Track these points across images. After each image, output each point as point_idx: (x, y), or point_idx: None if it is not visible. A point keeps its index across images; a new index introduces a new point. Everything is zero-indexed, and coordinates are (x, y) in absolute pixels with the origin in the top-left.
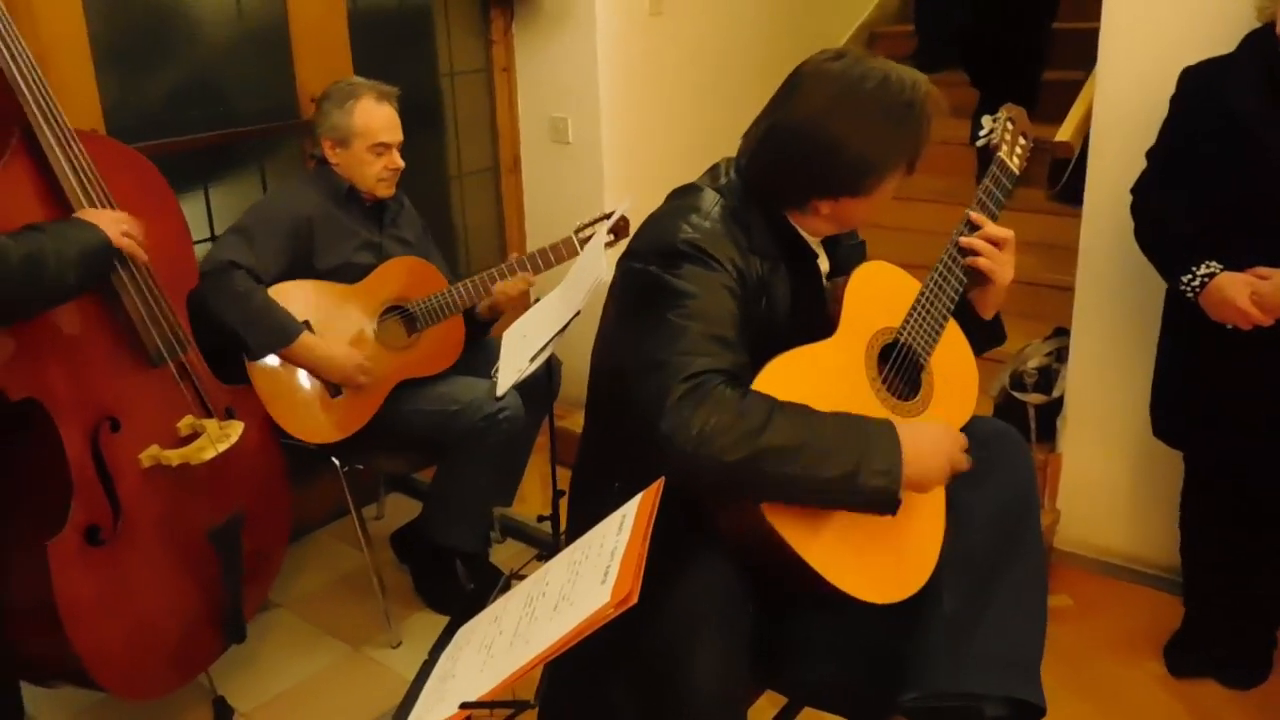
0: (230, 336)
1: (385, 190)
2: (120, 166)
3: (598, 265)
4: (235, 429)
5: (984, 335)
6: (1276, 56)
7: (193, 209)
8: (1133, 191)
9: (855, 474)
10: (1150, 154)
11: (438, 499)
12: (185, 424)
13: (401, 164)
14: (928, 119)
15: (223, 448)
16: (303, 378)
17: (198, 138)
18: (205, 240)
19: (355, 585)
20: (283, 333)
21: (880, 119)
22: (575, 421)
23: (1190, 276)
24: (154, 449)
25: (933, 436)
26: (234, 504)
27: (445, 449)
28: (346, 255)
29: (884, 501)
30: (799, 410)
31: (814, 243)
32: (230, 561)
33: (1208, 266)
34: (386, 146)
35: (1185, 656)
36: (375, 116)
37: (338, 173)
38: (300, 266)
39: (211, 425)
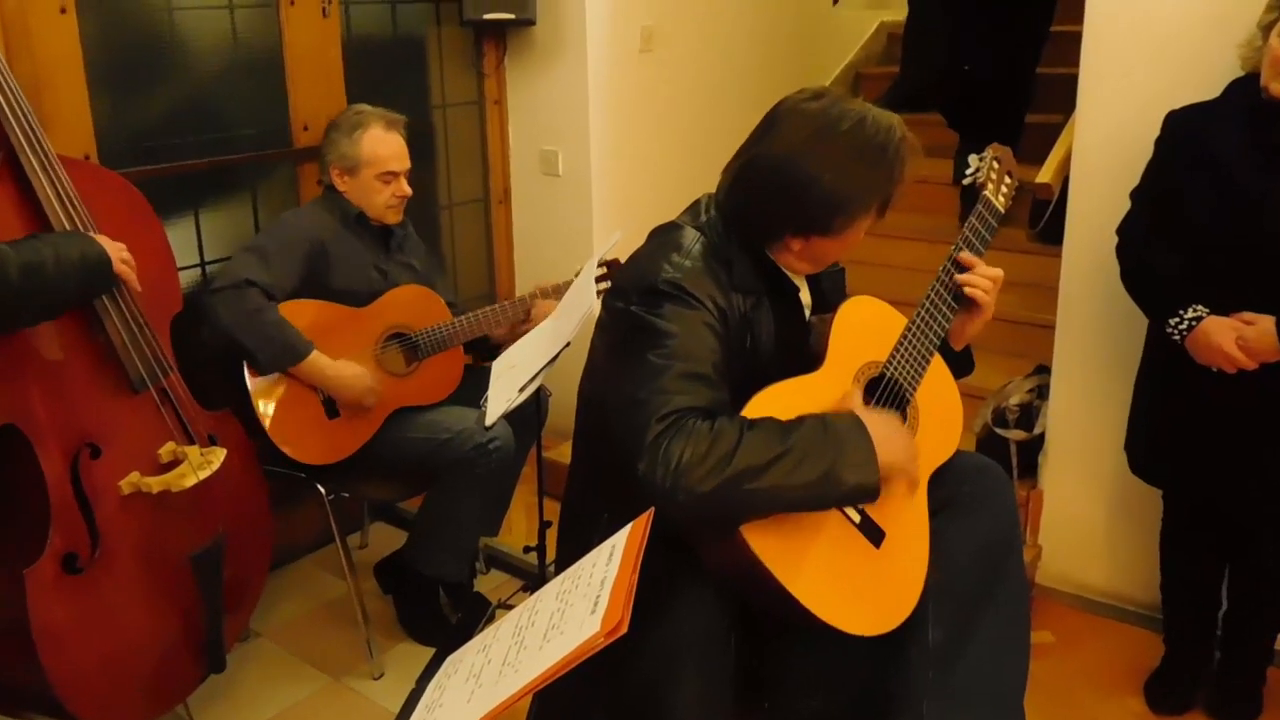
0: (240, 352)
1: (394, 217)
2: (104, 192)
3: (588, 297)
4: (217, 456)
5: (954, 365)
6: (1260, 104)
7: (183, 234)
8: (1118, 233)
9: (833, 472)
10: (1134, 194)
11: (424, 528)
12: (166, 450)
13: (409, 191)
14: (901, 162)
15: (204, 475)
16: (301, 396)
17: (190, 164)
18: (194, 266)
19: (337, 615)
20: (294, 350)
21: (854, 160)
22: (563, 452)
23: (1178, 320)
24: (134, 476)
25: (893, 424)
26: (215, 531)
27: (433, 477)
28: (356, 279)
29: (865, 494)
30: (768, 424)
31: (795, 277)
32: (210, 590)
33: (1194, 310)
34: (394, 175)
35: (1165, 694)
36: (383, 145)
37: (348, 198)
38: (312, 288)
39: (193, 452)
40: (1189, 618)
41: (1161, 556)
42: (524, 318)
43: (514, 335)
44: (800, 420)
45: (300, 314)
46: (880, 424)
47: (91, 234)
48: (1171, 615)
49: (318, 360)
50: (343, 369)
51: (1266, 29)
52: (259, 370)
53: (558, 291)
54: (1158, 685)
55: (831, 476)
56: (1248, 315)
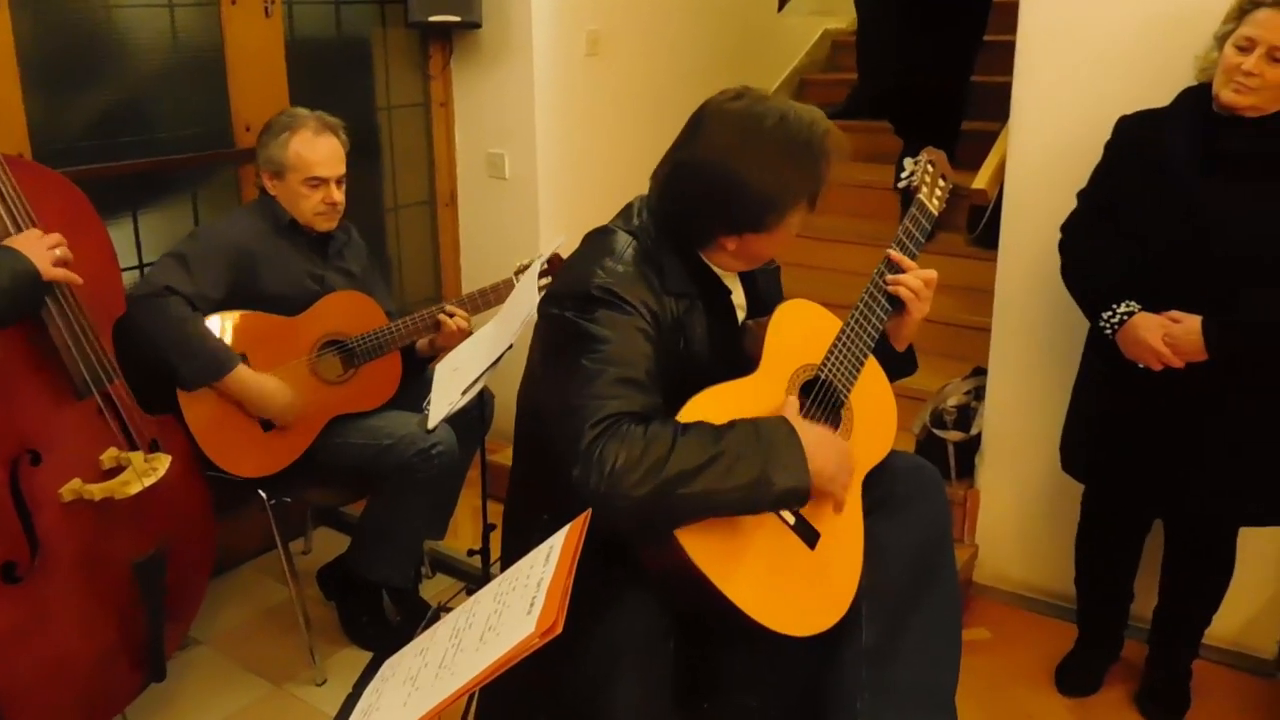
0: (162, 365)
1: (324, 224)
2: (46, 192)
3: (530, 300)
4: (161, 462)
5: (897, 365)
6: (1211, 112)
7: (121, 236)
8: (1062, 229)
9: (764, 477)
10: (1081, 195)
11: (368, 533)
12: (109, 457)
13: (340, 199)
14: (826, 156)
15: (149, 482)
16: (234, 409)
17: (128, 164)
18: (133, 268)
19: (280, 621)
20: (218, 364)
21: (780, 156)
22: (507, 455)
23: (1110, 314)
24: (76, 483)
25: (821, 431)
26: (157, 538)
27: (376, 483)
28: (289, 286)
29: (797, 498)
30: (701, 428)
31: (728, 278)
32: (153, 598)
33: (1127, 305)
34: (322, 181)
35: (1075, 677)
36: (310, 149)
37: (279, 203)
38: (241, 297)
39: (137, 458)
40: (1103, 607)
41: (1077, 550)
42: (435, 328)
43: (434, 347)
44: (732, 424)
45: (230, 325)
46: (813, 431)
47: (23, 233)
48: (1086, 604)
49: (241, 373)
50: (264, 384)
51: (1222, 39)
52: (181, 385)
53: (472, 302)
54: (1069, 669)
55: (763, 480)
56: (1176, 314)
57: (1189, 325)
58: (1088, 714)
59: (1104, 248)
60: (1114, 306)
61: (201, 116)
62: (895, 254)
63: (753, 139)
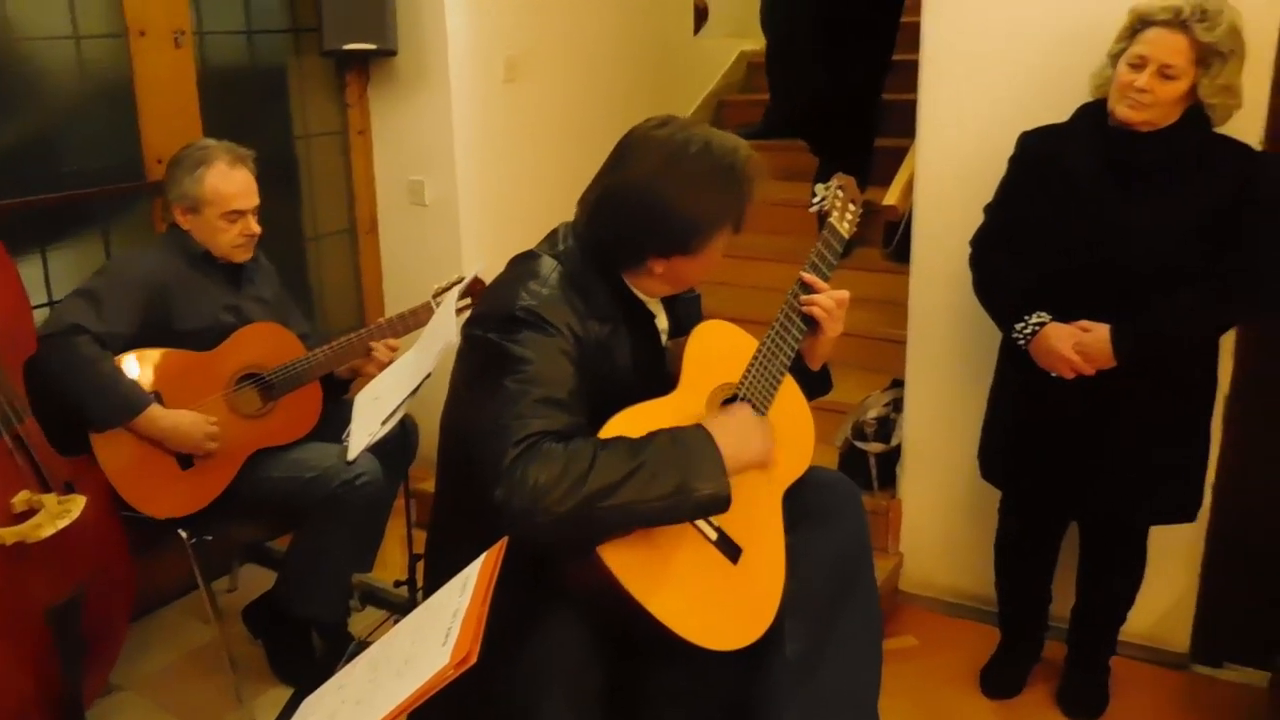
0: (72, 406)
1: (242, 255)
2: None
3: (448, 327)
4: (76, 504)
5: (813, 384)
6: (1108, 127)
7: (31, 273)
8: (971, 244)
9: (684, 486)
10: (988, 208)
11: (294, 568)
12: (20, 500)
13: (258, 229)
14: (749, 181)
15: (62, 524)
16: (149, 450)
17: (35, 199)
18: (43, 306)
19: (205, 663)
20: (129, 405)
21: (705, 181)
22: (433, 483)
23: (1023, 325)
24: None
25: (739, 421)
26: (73, 582)
27: (301, 516)
28: (205, 319)
29: (718, 505)
30: (620, 443)
31: (652, 303)
32: (68, 644)
33: (1038, 316)
34: (240, 213)
35: (999, 680)
36: (227, 182)
37: (192, 236)
38: (155, 333)
39: (50, 501)
40: (1023, 611)
41: (996, 556)
42: (365, 354)
43: (354, 373)
44: (651, 436)
45: (143, 363)
46: (730, 427)
47: None
48: (1006, 609)
49: (153, 413)
50: (179, 419)
51: (1115, 57)
52: (92, 426)
53: (391, 327)
54: (992, 673)
55: (684, 488)
56: (1086, 323)
57: (1098, 334)
58: (1012, 715)
59: (1012, 261)
60: (1025, 318)
61: (112, 149)
62: (808, 276)
63: (678, 165)
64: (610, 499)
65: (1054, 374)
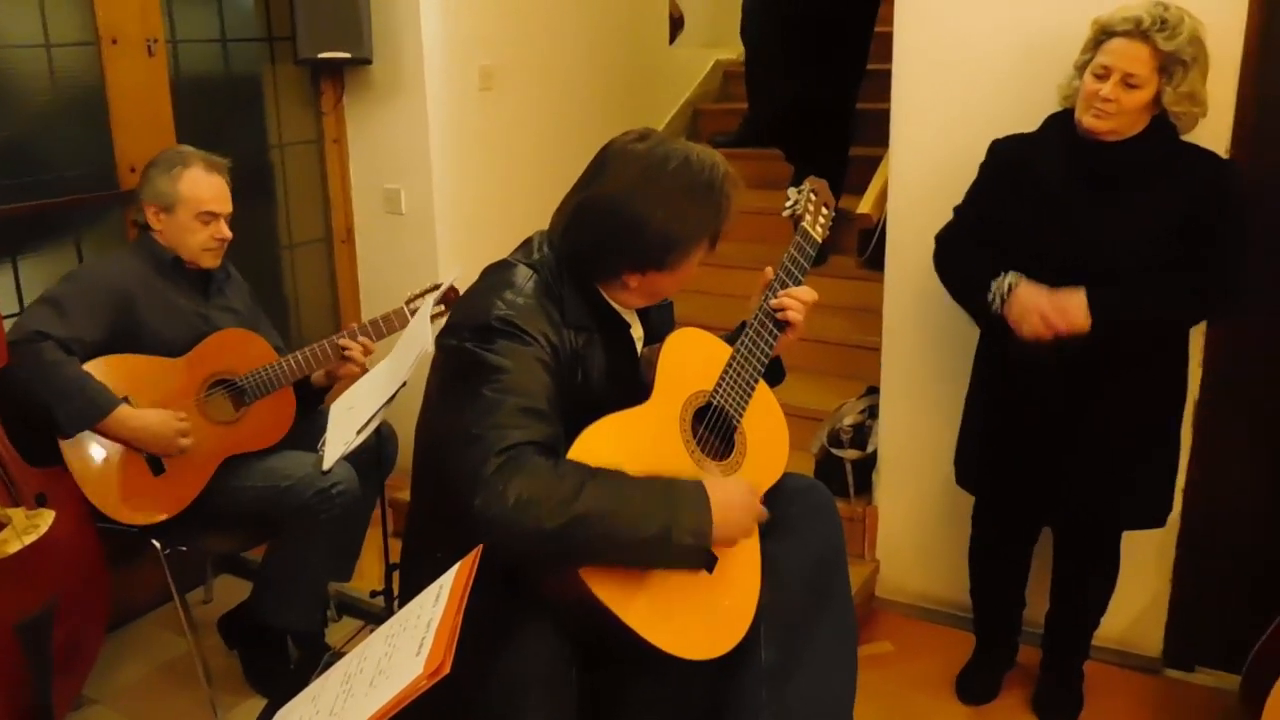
0: (39, 412)
1: (210, 261)
2: None
3: (423, 336)
4: (45, 519)
5: (768, 374)
6: (1076, 136)
7: (1, 282)
8: (936, 239)
9: (666, 534)
10: (958, 209)
11: (270, 578)
12: None
13: (229, 235)
14: (727, 196)
15: (30, 539)
16: (121, 456)
17: (6, 208)
18: (14, 315)
19: (179, 675)
20: (96, 406)
21: (682, 197)
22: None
23: (997, 284)
24: None
25: (738, 491)
26: (44, 596)
27: (276, 526)
28: (173, 327)
29: (695, 558)
30: (611, 476)
31: (626, 312)
32: (38, 659)
33: (1007, 275)
34: (214, 215)
35: (974, 686)
36: (203, 185)
37: (161, 242)
38: (123, 340)
39: (18, 515)
40: (997, 617)
41: (970, 562)
42: (338, 358)
43: (331, 379)
44: (648, 479)
45: (111, 368)
46: (724, 495)
47: None
48: (981, 615)
49: (121, 413)
50: (148, 418)
51: (1081, 68)
52: (60, 432)
53: (375, 328)
54: (968, 678)
55: (664, 538)
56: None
57: (1076, 294)
58: (986, 717)
59: (978, 246)
60: (993, 282)
61: (84, 158)
62: (778, 280)
63: (656, 180)
64: (591, 530)
65: (1030, 340)
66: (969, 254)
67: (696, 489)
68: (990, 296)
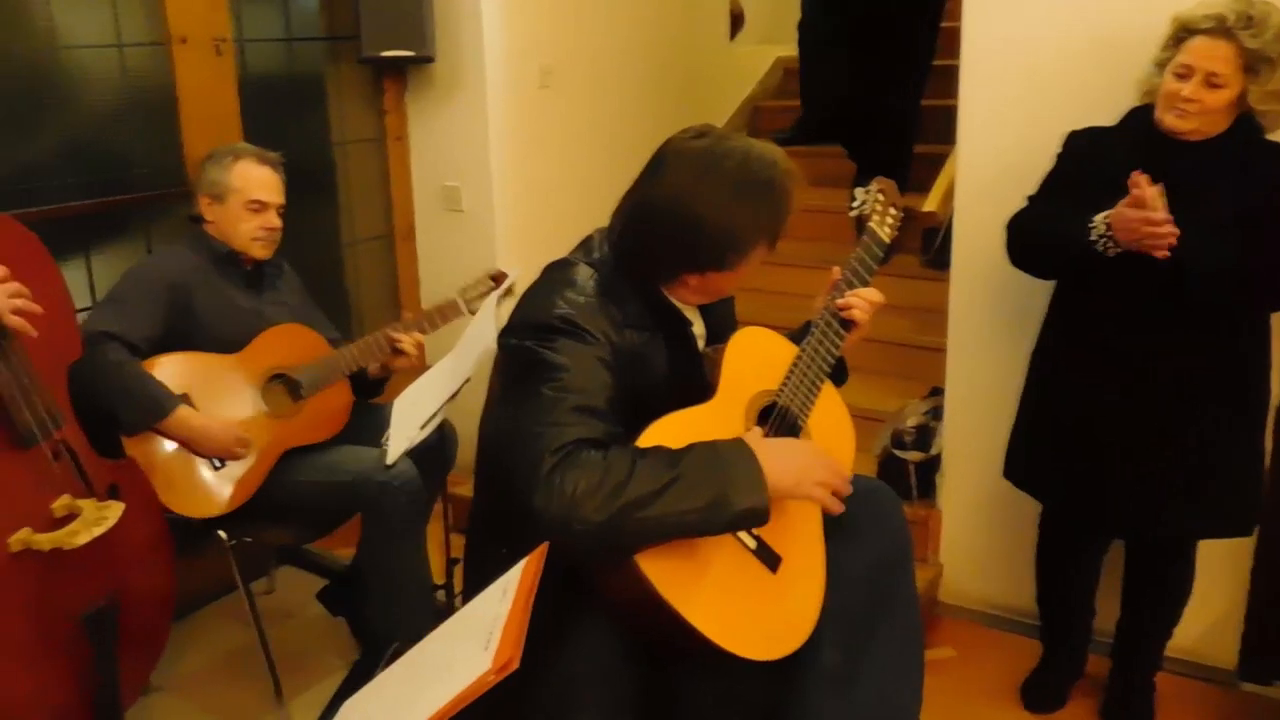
0: (104, 411)
1: (261, 251)
2: None
3: (487, 332)
4: (114, 511)
5: (833, 374)
6: (1155, 134)
7: (73, 278)
8: (1011, 222)
9: (722, 498)
10: (1032, 198)
11: (377, 595)
12: (61, 505)
13: (279, 224)
14: (787, 196)
15: (98, 531)
16: (181, 449)
17: (79, 205)
18: (85, 310)
19: (243, 664)
20: (157, 407)
21: (741, 196)
22: (470, 488)
23: (1094, 226)
24: (24, 532)
25: (790, 448)
26: (111, 586)
27: (337, 519)
28: (227, 319)
29: (755, 518)
30: (659, 453)
31: (688, 310)
32: (104, 649)
33: (1101, 215)
34: (264, 205)
35: (1040, 695)
36: (254, 174)
37: (213, 235)
38: (179, 333)
39: (89, 506)
40: (1066, 625)
41: (1038, 567)
42: (391, 352)
43: (386, 371)
44: (690, 447)
45: (171, 366)
46: (772, 448)
47: None
48: (1049, 622)
49: (181, 414)
50: (208, 422)
51: (1161, 65)
52: (123, 430)
53: (430, 320)
54: (1033, 686)
55: (721, 501)
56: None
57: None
58: None
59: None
60: (1090, 224)
61: (153, 156)
62: (843, 281)
63: (714, 179)
64: (647, 509)
65: (1154, 256)
66: (1054, 212)
67: (742, 449)
68: (1094, 239)
